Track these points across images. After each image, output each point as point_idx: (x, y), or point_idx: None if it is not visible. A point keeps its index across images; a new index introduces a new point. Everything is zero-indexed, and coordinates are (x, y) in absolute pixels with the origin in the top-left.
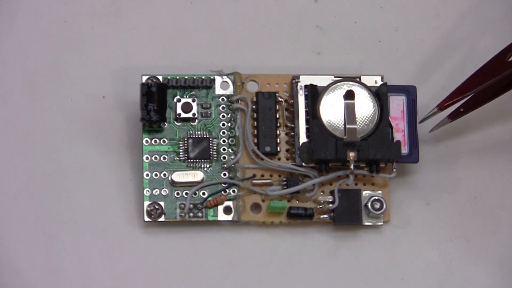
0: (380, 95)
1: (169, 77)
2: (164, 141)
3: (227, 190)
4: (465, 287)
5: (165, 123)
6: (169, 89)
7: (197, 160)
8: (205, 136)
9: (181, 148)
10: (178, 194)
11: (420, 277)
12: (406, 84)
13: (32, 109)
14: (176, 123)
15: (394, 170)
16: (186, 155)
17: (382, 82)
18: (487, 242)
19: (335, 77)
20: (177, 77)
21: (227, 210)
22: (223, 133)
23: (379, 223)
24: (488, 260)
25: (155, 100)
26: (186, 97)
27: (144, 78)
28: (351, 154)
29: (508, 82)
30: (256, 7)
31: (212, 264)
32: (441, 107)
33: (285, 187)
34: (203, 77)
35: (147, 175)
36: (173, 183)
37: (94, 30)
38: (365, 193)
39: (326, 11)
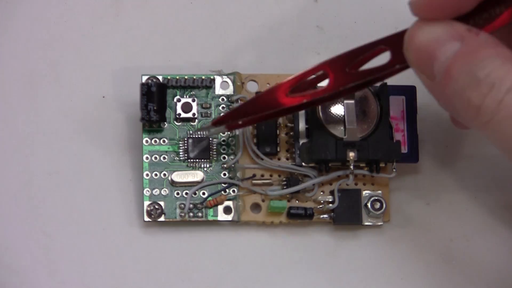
0: (380, 95)
1: (169, 77)
2: (164, 141)
3: (227, 190)
4: (465, 287)
5: (165, 123)
6: (169, 89)
7: (197, 160)
8: (205, 136)
9: (181, 148)
10: (178, 194)
11: (420, 277)
12: (406, 84)
13: (32, 109)
14: (176, 123)
15: (394, 170)
16: (186, 155)
17: (382, 82)
18: (487, 242)
19: None
20: (177, 77)
21: (227, 210)
22: (223, 133)
23: (379, 223)
24: (488, 260)
25: (155, 100)
26: (186, 97)
27: (144, 78)
28: (351, 154)
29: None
30: (256, 7)
31: (212, 264)
32: (214, 123)
33: (285, 187)
34: (203, 77)
35: (147, 175)
36: (173, 183)
37: (94, 30)
38: (365, 193)
39: (326, 11)
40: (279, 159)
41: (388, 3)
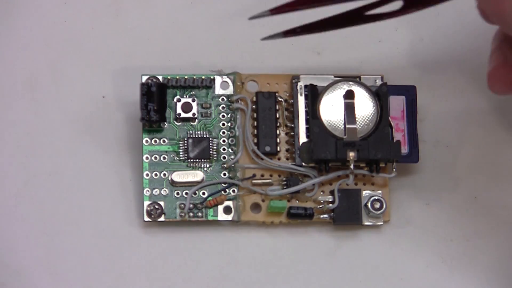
0: (380, 95)
1: (169, 77)
2: (164, 141)
3: (227, 190)
4: (465, 287)
5: (165, 123)
6: (169, 89)
7: (197, 160)
8: (205, 136)
9: (181, 148)
10: (178, 194)
11: (420, 277)
12: (406, 84)
13: (32, 109)
14: (176, 123)
15: (394, 170)
16: (186, 155)
17: (382, 82)
18: (487, 242)
19: (335, 77)
20: (177, 77)
21: (227, 210)
22: (223, 133)
23: (379, 223)
24: (488, 260)
25: (155, 100)
26: (186, 97)
27: (144, 78)
28: (351, 154)
29: (348, 18)
30: (256, 7)
31: (212, 264)
32: (274, 12)
33: (285, 187)
34: (203, 77)
35: (147, 175)
36: (173, 183)
37: (94, 30)
38: (365, 193)
39: (326, 11)
40: (279, 159)
41: None
